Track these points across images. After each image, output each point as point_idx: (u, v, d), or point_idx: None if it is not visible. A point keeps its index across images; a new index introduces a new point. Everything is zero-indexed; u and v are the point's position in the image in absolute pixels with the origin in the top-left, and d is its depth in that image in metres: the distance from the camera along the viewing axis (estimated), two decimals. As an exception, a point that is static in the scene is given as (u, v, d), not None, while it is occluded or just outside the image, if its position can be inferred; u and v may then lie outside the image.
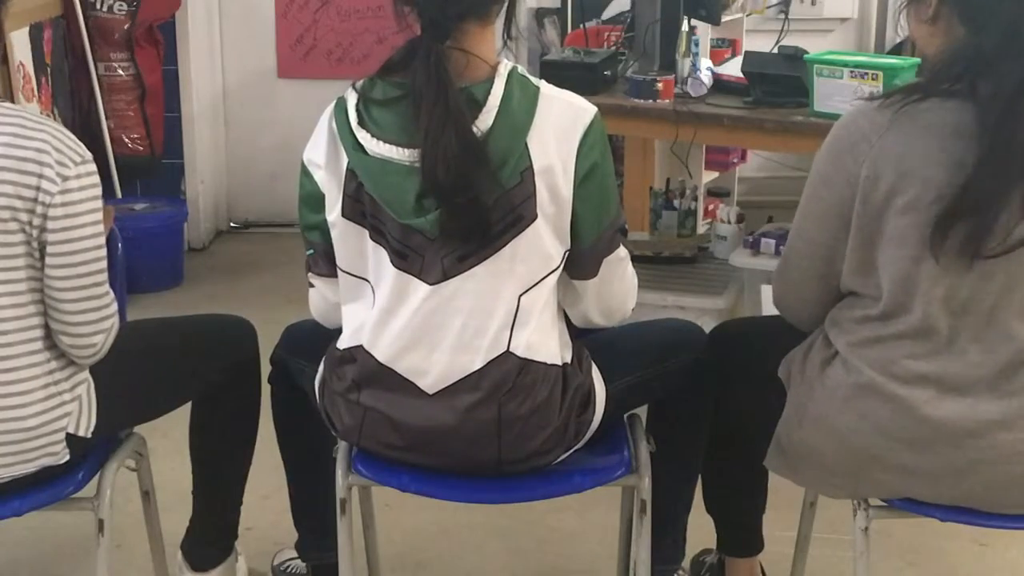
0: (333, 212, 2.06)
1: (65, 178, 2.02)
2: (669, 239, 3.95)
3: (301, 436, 2.40)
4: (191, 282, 4.59)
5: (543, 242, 2.03)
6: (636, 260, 3.77)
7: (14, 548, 2.80)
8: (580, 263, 2.11)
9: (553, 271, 2.07)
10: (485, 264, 2.01)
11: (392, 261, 2.03)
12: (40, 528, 2.77)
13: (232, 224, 5.24)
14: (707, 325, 3.51)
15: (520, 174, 1.98)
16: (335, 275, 2.13)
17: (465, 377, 2.04)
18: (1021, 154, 1.85)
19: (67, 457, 2.13)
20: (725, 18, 3.85)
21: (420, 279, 2.03)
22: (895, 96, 1.95)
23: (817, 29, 4.97)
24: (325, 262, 2.14)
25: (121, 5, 4.31)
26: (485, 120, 1.97)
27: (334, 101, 2.07)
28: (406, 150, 1.97)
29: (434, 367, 2.04)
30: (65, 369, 2.12)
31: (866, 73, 3.14)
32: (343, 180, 2.03)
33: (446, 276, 2.02)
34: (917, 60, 3.29)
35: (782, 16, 4.09)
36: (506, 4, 2.07)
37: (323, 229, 2.10)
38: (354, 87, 2.05)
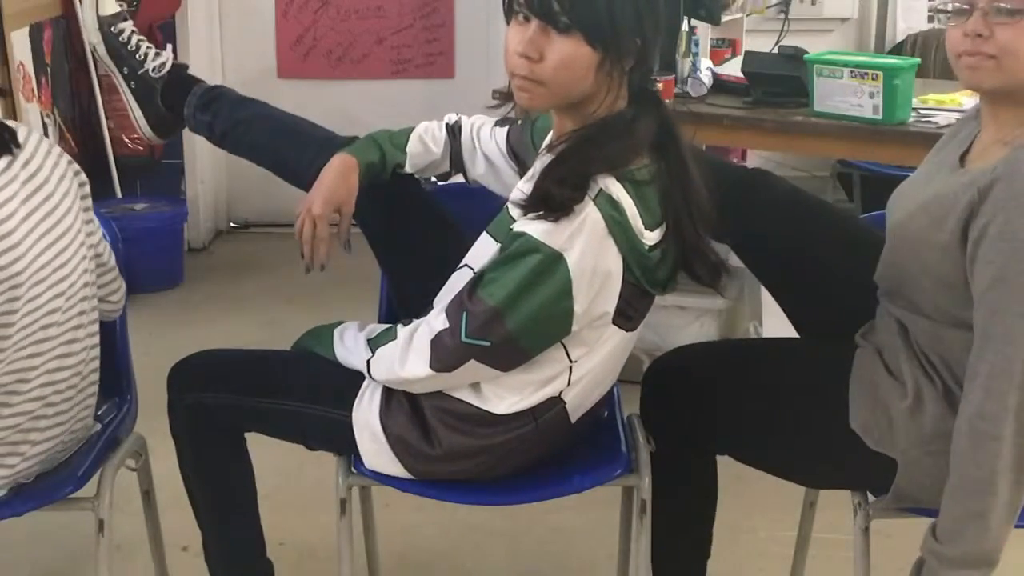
0: (599, 316, 1.94)
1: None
2: (669, 239, 3.94)
3: (232, 474, 2.27)
4: (191, 282, 4.59)
5: None
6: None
7: (14, 548, 2.80)
8: None
9: None
10: None
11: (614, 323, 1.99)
12: (40, 528, 2.76)
13: (232, 224, 5.24)
14: (707, 325, 3.54)
15: None
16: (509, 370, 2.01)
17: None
18: None
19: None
20: (725, 18, 3.85)
21: (629, 330, 2.04)
22: None
23: (817, 29, 4.97)
24: (516, 360, 1.98)
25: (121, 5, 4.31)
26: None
27: (595, 202, 1.86)
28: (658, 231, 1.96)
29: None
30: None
31: (866, 73, 3.15)
32: (619, 287, 1.93)
33: (643, 319, 2.08)
34: (917, 60, 3.30)
35: (782, 16, 4.10)
36: None
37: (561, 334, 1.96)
38: (617, 180, 1.89)
